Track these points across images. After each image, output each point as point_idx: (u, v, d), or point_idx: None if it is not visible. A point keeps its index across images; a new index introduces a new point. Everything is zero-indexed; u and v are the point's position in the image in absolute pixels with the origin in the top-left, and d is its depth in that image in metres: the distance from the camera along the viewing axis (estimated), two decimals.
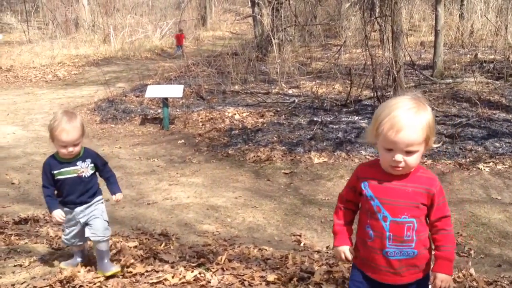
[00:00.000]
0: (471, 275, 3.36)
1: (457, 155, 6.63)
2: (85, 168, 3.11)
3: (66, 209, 3.14)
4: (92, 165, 3.15)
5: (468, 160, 6.46)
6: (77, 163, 3.09)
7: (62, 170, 3.07)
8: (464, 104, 8.78)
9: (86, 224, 3.16)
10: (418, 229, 1.97)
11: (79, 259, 3.34)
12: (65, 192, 3.12)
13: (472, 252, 4.21)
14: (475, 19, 14.71)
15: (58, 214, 3.05)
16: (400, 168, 1.91)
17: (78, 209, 3.15)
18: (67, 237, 3.26)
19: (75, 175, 3.09)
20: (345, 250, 2.14)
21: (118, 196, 3.27)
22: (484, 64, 11.10)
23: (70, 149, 2.99)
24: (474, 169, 6.21)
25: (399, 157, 1.87)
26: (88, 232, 3.16)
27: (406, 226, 1.96)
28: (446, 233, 2.02)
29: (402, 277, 2.02)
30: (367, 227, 2.02)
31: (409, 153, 1.88)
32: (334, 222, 2.18)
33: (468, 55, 12.28)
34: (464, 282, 3.18)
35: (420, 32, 15.76)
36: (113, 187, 3.28)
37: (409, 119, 1.85)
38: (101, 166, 3.21)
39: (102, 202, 3.25)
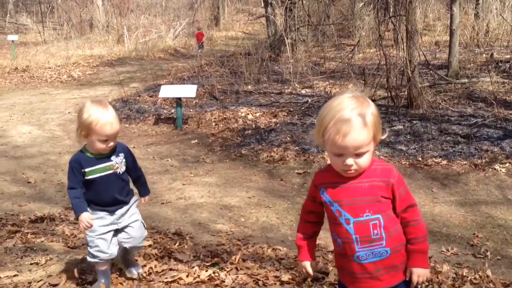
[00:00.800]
0: (487, 276, 3.32)
1: (472, 155, 6.55)
2: (119, 164, 2.78)
3: (102, 213, 2.78)
4: (125, 160, 2.82)
5: (484, 160, 6.38)
6: (112, 158, 2.75)
7: (96, 167, 2.70)
8: (479, 104, 8.68)
9: (121, 229, 2.87)
10: (386, 225, 1.85)
11: (103, 281, 2.88)
12: (101, 193, 2.75)
13: (488, 253, 4.16)
14: (491, 18, 14.53)
15: (87, 217, 2.64)
16: (353, 171, 1.83)
17: (119, 211, 2.82)
18: (98, 249, 2.78)
19: (111, 171, 2.75)
20: (306, 266, 2.07)
21: (148, 198, 3.05)
22: (500, 64, 10.96)
23: (111, 143, 2.68)
24: (490, 169, 6.14)
25: (350, 161, 1.79)
26: (123, 238, 2.88)
27: (371, 224, 1.85)
28: (416, 224, 1.91)
29: (381, 281, 1.89)
30: (334, 236, 1.93)
31: (359, 155, 1.79)
32: (297, 235, 2.09)
33: (484, 55, 12.14)
34: (480, 284, 3.15)
35: (435, 31, 15.62)
36: (144, 187, 3.02)
37: (354, 122, 1.75)
38: (132, 162, 2.89)
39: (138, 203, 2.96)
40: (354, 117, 1.75)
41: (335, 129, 1.75)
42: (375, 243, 1.86)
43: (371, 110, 1.81)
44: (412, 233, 1.91)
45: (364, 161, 1.82)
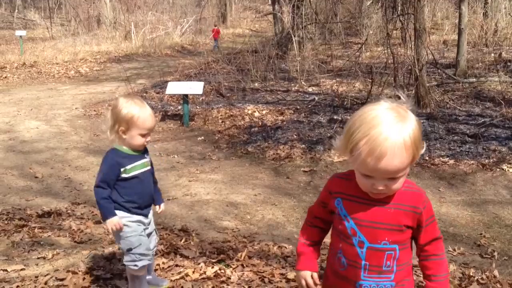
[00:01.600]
0: (494, 277, 3.31)
1: (480, 155, 6.52)
2: (150, 161, 2.74)
3: (139, 217, 2.68)
4: (150, 160, 2.75)
5: (491, 160, 6.34)
6: (145, 155, 2.70)
7: (136, 163, 2.62)
8: (487, 103, 8.63)
9: (150, 233, 2.79)
10: (400, 258, 1.64)
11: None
12: (141, 192, 2.67)
13: (495, 253, 4.13)
14: (500, 17, 14.45)
15: (118, 221, 2.55)
16: (381, 194, 1.59)
17: (150, 215, 2.76)
18: (145, 248, 2.66)
19: (148, 168, 2.69)
20: (307, 276, 1.78)
21: (163, 206, 2.92)
22: (509, 64, 10.90)
23: (148, 137, 2.61)
24: (498, 169, 6.10)
25: (380, 184, 1.53)
26: (154, 242, 2.84)
27: (386, 255, 1.62)
28: (438, 259, 1.69)
29: None
30: (339, 253, 1.68)
31: (393, 179, 1.53)
32: (299, 240, 1.83)
33: (492, 54, 12.07)
34: (487, 284, 3.14)
35: (443, 30, 15.55)
36: (159, 194, 2.92)
37: (391, 144, 1.45)
38: (152, 164, 2.79)
39: None
40: (392, 137, 1.46)
41: (367, 149, 1.47)
42: (384, 275, 1.64)
43: (412, 126, 1.50)
44: (433, 269, 1.69)
45: (397, 186, 1.56)
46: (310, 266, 1.79)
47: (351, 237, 1.63)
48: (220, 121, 9.00)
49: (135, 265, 2.65)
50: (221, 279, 3.13)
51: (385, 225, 1.61)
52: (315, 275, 1.78)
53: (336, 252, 1.70)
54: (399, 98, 1.59)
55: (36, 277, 3.11)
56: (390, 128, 1.46)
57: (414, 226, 1.64)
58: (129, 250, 2.63)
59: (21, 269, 3.25)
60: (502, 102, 8.11)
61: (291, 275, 3.19)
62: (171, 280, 3.08)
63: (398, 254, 1.63)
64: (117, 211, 2.58)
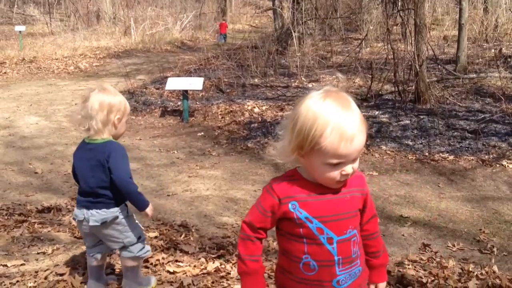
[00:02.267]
0: (494, 272, 3.31)
1: (480, 151, 6.52)
2: None
3: None
4: None
5: (491, 156, 6.35)
6: None
7: None
8: (487, 99, 8.63)
9: None
10: (359, 241, 1.66)
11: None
12: None
13: (495, 249, 4.14)
14: (500, 13, 14.41)
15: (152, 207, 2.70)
16: (343, 181, 1.57)
17: None
18: (144, 240, 2.79)
19: None
20: None
21: None
22: (509, 59, 10.89)
23: None
24: (498, 165, 6.11)
25: (350, 169, 1.52)
26: None
27: (352, 242, 1.62)
28: (377, 236, 1.75)
29: None
30: (306, 258, 1.60)
31: (355, 160, 1.54)
32: (242, 258, 1.66)
33: (493, 50, 12.04)
34: (487, 279, 3.14)
35: (443, 26, 15.51)
36: None
37: (355, 121, 1.48)
38: None
39: None
40: (354, 116, 1.49)
41: (338, 135, 1.45)
42: (354, 263, 1.64)
43: (353, 103, 1.54)
44: (374, 246, 1.74)
45: (357, 165, 1.57)
46: (263, 286, 1.68)
47: (318, 236, 1.58)
48: (220, 117, 8.99)
49: (148, 250, 2.76)
50: (221, 274, 3.13)
51: (346, 214, 1.61)
52: None
53: (301, 258, 1.61)
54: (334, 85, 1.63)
55: (36, 272, 3.12)
56: (346, 110, 1.48)
57: (361, 208, 1.68)
58: (139, 238, 2.70)
59: (21, 264, 3.26)
60: (502, 98, 8.10)
61: None
62: (171, 273, 3.08)
63: (358, 238, 1.66)
64: (115, 207, 2.61)
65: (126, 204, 2.66)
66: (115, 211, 2.59)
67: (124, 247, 2.67)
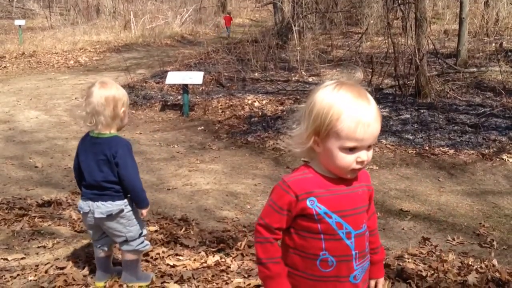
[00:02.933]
0: (493, 266, 3.32)
1: (480, 145, 6.52)
2: None
3: None
4: None
5: (491, 150, 6.35)
6: None
7: None
8: (488, 93, 8.62)
9: None
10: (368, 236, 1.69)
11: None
12: None
13: (494, 243, 4.14)
14: (501, 7, 14.37)
15: None
16: (359, 170, 1.57)
17: None
18: (145, 235, 2.85)
19: None
20: None
21: None
22: (510, 53, 10.87)
23: None
24: (498, 159, 6.10)
25: (364, 154, 1.53)
26: None
27: (365, 236, 1.64)
28: (377, 232, 1.78)
29: None
30: (323, 255, 1.58)
31: (369, 147, 1.54)
32: (264, 261, 1.61)
33: (493, 44, 12.02)
34: (486, 273, 3.14)
35: (444, 20, 15.47)
36: None
37: (371, 109, 1.50)
38: None
39: None
40: (370, 103, 1.51)
41: (354, 120, 1.47)
42: (366, 257, 1.66)
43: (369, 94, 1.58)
44: (374, 242, 1.75)
45: (371, 155, 1.57)
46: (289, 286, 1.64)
47: (337, 231, 1.57)
48: (220, 111, 8.98)
49: (147, 245, 2.82)
50: (221, 268, 3.14)
51: (361, 208, 1.63)
52: None
53: (318, 255, 1.59)
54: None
55: (37, 266, 3.13)
56: (362, 98, 1.51)
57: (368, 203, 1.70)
58: (141, 234, 2.76)
59: (22, 258, 3.26)
60: (503, 92, 8.09)
61: None
62: (171, 267, 3.09)
63: (368, 233, 1.67)
64: (121, 200, 2.65)
65: (131, 198, 2.70)
66: (120, 204, 2.63)
67: (125, 241, 2.71)
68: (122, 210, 2.64)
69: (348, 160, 1.52)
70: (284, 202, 1.57)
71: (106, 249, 2.80)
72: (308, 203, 1.55)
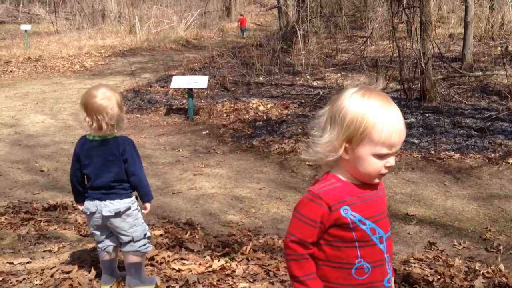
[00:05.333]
0: (500, 270, 3.30)
1: (486, 149, 6.49)
2: None
3: None
4: None
5: (497, 154, 6.31)
6: None
7: None
8: (494, 97, 8.58)
9: None
10: None
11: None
12: None
13: (501, 247, 4.12)
14: (506, 10, 14.33)
15: None
16: (387, 172, 1.59)
17: None
18: (149, 237, 2.90)
19: None
20: None
21: None
22: None
23: None
24: (504, 163, 6.07)
25: (393, 160, 1.55)
26: None
27: (392, 239, 1.65)
28: None
29: None
30: (359, 262, 1.57)
31: (396, 152, 1.57)
32: (302, 279, 1.56)
33: (499, 48, 11.98)
34: (493, 278, 3.12)
35: (449, 23, 15.45)
36: None
37: (400, 115, 1.53)
38: None
39: None
40: (398, 111, 1.53)
41: (389, 126, 1.49)
42: (391, 260, 1.66)
43: None
44: None
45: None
46: None
47: (371, 237, 1.56)
48: (224, 115, 8.99)
49: (149, 246, 2.85)
50: (226, 272, 3.13)
51: (386, 211, 1.64)
52: None
53: (353, 264, 1.57)
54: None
55: (43, 270, 3.13)
56: (391, 104, 1.53)
57: None
58: (145, 235, 2.80)
59: (27, 262, 3.27)
60: (509, 96, 8.06)
61: None
62: (177, 271, 3.09)
63: None
64: (128, 198, 2.72)
65: (136, 197, 2.77)
66: (128, 201, 2.70)
67: (130, 241, 2.74)
68: (129, 208, 2.69)
69: (378, 166, 1.53)
70: (317, 215, 1.53)
71: (110, 251, 2.81)
72: (342, 212, 1.53)
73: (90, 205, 2.70)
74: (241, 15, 22.92)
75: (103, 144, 2.64)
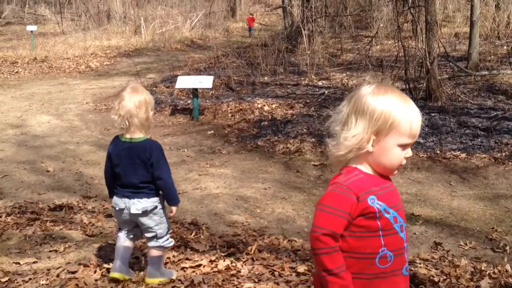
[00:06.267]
0: (506, 271, 3.28)
1: (492, 149, 6.46)
2: None
3: None
4: None
5: (504, 154, 6.28)
6: None
7: None
8: (500, 96, 8.54)
9: None
10: None
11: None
12: None
13: (507, 248, 4.09)
14: None
15: None
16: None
17: None
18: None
19: None
20: None
21: None
22: None
23: None
24: (510, 163, 6.04)
25: (410, 151, 1.66)
26: None
27: (407, 231, 1.73)
28: None
29: None
30: (383, 251, 1.61)
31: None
32: (336, 271, 1.57)
33: (505, 47, 11.91)
34: (499, 278, 3.11)
35: (455, 23, 15.38)
36: None
37: (417, 108, 1.66)
38: None
39: None
40: (412, 103, 1.66)
41: (412, 118, 1.61)
42: (408, 250, 1.74)
43: None
44: None
45: None
46: None
47: (393, 225, 1.63)
48: (229, 115, 8.99)
49: (171, 242, 3.04)
50: (231, 272, 3.14)
51: (401, 201, 1.72)
52: None
53: (377, 253, 1.61)
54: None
55: (48, 270, 3.15)
56: (409, 99, 1.65)
57: None
58: (168, 231, 2.99)
59: (34, 262, 3.29)
60: None
61: (301, 268, 3.19)
62: (183, 270, 3.09)
63: None
64: (155, 197, 2.87)
65: (163, 196, 2.91)
66: (154, 200, 2.85)
67: (154, 237, 2.90)
68: (155, 207, 2.85)
69: (401, 156, 1.63)
70: (347, 205, 1.58)
71: (131, 237, 2.97)
72: (369, 201, 1.59)
73: (119, 201, 2.86)
74: (251, 14, 23.61)
75: (131, 147, 2.79)
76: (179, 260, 3.29)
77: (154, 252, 2.93)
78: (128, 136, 2.79)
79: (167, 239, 2.96)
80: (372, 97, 1.63)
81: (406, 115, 1.60)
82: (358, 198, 1.58)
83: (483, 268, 3.33)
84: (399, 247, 1.65)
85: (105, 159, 2.91)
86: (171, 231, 3.04)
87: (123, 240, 2.94)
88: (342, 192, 1.59)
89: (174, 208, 2.92)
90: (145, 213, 2.82)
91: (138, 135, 2.78)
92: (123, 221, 2.92)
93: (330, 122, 1.72)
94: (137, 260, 3.32)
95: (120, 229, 3.00)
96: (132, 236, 2.97)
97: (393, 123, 1.59)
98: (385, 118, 1.59)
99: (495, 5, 14.64)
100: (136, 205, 2.80)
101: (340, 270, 1.58)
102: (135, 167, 2.78)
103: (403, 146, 1.62)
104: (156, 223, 2.87)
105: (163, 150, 2.86)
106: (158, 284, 2.92)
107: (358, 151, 1.63)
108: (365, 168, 1.66)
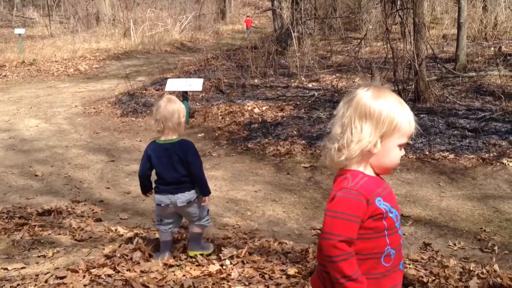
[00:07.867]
0: (495, 271, 3.30)
1: (480, 149, 6.51)
2: None
3: None
4: None
5: (491, 154, 6.34)
6: None
7: None
8: (487, 97, 8.62)
9: None
10: None
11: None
12: None
13: (496, 248, 4.13)
14: (499, 11, 14.43)
15: None
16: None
17: None
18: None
19: None
20: None
21: None
22: (508, 57, 10.88)
23: None
24: (498, 164, 6.10)
25: (403, 150, 1.72)
26: None
27: None
28: None
29: None
30: (388, 250, 1.65)
31: None
32: (355, 277, 1.58)
33: (492, 48, 12.05)
34: (488, 278, 3.13)
35: (442, 25, 15.52)
36: None
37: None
38: None
39: None
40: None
41: (409, 118, 1.67)
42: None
43: None
44: None
45: None
46: None
47: (395, 223, 1.67)
48: (220, 117, 8.99)
49: (210, 221, 3.58)
50: (222, 275, 3.13)
51: None
52: None
53: (382, 253, 1.64)
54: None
55: (37, 275, 3.12)
56: (401, 99, 1.71)
57: None
58: (207, 211, 3.53)
59: (22, 268, 3.25)
60: (502, 96, 8.10)
61: (291, 271, 3.19)
62: (173, 274, 3.08)
63: None
64: (193, 189, 3.33)
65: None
66: (194, 192, 3.32)
67: (198, 219, 3.41)
68: (196, 197, 3.32)
69: (399, 155, 1.69)
70: (360, 210, 1.58)
71: (173, 230, 3.48)
72: (377, 203, 1.62)
73: (163, 198, 3.28)
74: (248, 16, 24.14)
75: (168, 147, 3.23)
76: (168, 262, 3.28)
77: (196, 229, 3.43)
78: (163, 138, 3.24)
79: (207, 220, 3.50)
80: (375, 100, 1.64)
81: (406, 116, 1.65)
82: (368, 201, 1.59)
83: (471, 268, 3.35)
84: (399, 244, 1.70)
85: (141, 161, 3.34)
86: (209, 210, 3.56)
87: (167, 236, 3.42)
88: (354, 198, 1.59)
89: (206, 198, 3.40)
90: (190, 203, 3.29)
91: (172, 137, 3.23)
92: (169, 215, 3.35)
93: (330, 126, 1.75)
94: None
95: (160, 223, 3.39)
96: (172, 228, 3.44)
97: (396, 125, 1.64)
98: (390, 121, 1.63)
99: (483, 7, 14.82)
100: (181, 198, 3.25)
101: (358, 274, 1.58)
102: (173, 164, 3.21)
103: (401, 146, 1.68)
104: (198, 209, 3.37)
105: (196, 148, 3.31)
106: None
107: (362, 154, 1.64)
108: (367, 170, 1.68)
